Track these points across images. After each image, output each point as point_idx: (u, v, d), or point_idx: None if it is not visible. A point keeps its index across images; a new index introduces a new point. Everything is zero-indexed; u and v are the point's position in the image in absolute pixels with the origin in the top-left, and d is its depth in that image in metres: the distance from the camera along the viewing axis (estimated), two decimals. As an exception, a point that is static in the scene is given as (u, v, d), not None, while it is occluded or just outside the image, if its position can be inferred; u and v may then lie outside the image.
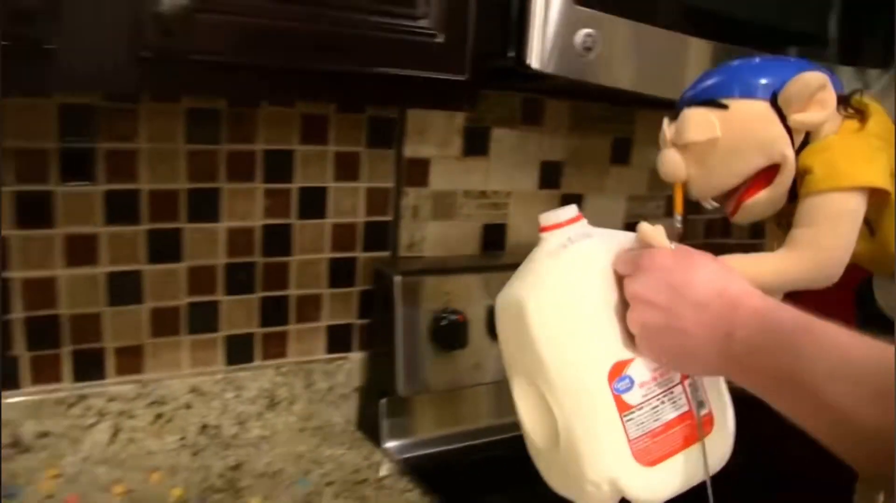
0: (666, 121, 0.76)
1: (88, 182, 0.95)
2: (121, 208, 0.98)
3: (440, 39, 0.79)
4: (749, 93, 0.72)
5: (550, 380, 0.66)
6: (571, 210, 0.71)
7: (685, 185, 0.75)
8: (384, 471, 1.04)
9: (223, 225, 1.05)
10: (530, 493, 0.73)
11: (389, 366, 1.10)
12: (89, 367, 1.01)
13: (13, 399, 0.96)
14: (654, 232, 0.68)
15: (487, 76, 0.84)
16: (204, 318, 1.06)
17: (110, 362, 1.02)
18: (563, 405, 0.66)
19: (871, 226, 0.73)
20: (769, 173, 0.73)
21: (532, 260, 0.71)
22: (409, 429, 1.13)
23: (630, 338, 0.67)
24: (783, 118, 0.71)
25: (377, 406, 1.12)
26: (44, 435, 0.98)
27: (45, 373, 0.99)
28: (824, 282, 0.71)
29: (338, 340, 1.17)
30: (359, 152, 1.12)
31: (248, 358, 1.10)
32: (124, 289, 1.01)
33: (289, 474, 1.02)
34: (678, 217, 0.76)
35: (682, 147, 0.74)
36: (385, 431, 1.12)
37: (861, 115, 0.72)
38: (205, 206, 1.03)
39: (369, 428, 1.14)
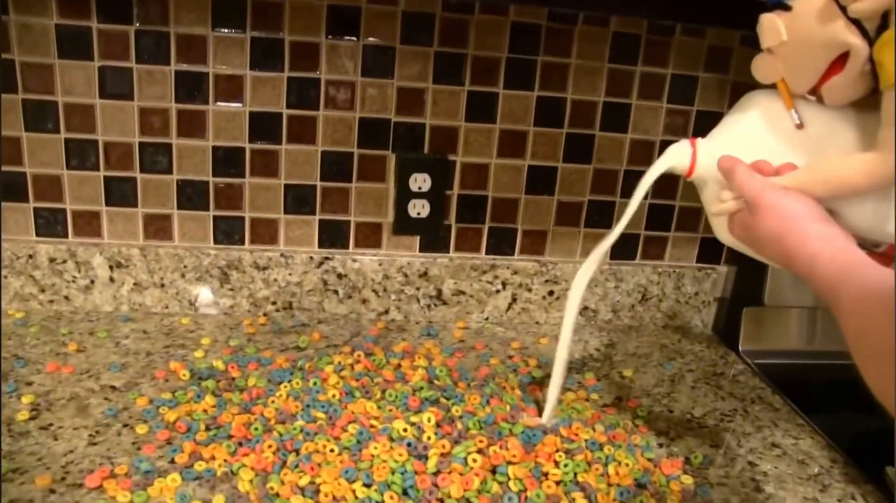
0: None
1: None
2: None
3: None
4: None
5: None
6: None
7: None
8: (737, 369, 1.17)
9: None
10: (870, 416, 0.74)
11: (759, 276, 1.20)
12: (502, 244, 1.22)
13: (441, 260, 1.20)
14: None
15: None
16: (602, 216, 1.23)
17: (518, 242, 1.23)
18: None
19: None
20: (845, 59, 0.72)
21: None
22: (766, 338, 1.23)
23: None
24: (844, 9, 0.70)
25: (739, 313, 1.23)
26: (460, 293, 1.22)
27: (469, 241, 1.21)
28: None
29: (709, 252, 1.28)
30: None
31: (632, 255, 1.25)
32: (544, 182, 1.20)
33: (655, 358, 1.18)
34: (793, 113, 0.78)
35: (768, 50, 0.76)
36: (743, 336, 1.22)
37: None
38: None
39: (727, 334, 1.26)
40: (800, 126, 0.78)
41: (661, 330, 1.28)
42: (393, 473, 0.81)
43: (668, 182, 1.20)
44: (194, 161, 1.11)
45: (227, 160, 1.12)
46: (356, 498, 0.79)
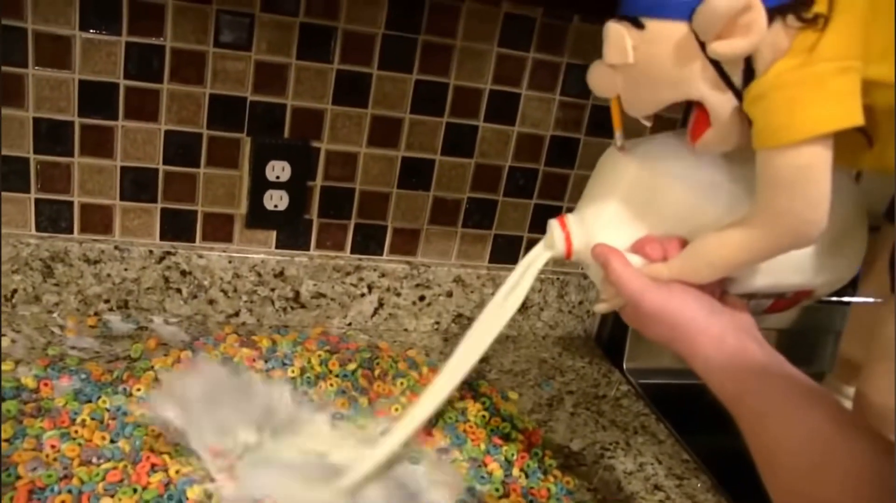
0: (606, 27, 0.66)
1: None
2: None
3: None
4: (664, 11, 0.61)
5: None
6: None
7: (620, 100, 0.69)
8: (621, 390, 1.08)
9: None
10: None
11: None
12: (370, 242, 1.10)
13: (300, 258, 1.07)
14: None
15: None
16: (483, 215, 1.12)
17: (388, 241, 1.11)
18: None
19: (867, 135, 0.60)
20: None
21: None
22: (651, 355, 1.15)
23: None
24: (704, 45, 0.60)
25: (625, 327, 1.14)
26: (320, 295, 1.10)
27: (331, 239, 1.09)
28: (807, 244, 0.63)
29: (596, 258, 1.19)
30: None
31: (512, 258, 1.14)
32: (419, 175, 1.08)
33: (533, 375, 1.08)
34: (617, 134, 0.71)
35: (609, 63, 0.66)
36: (628, 353, 1.14)
37: (816, 22, 0.57)
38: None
39: (611, 348, 1.17)
40: (621, 148, 0.70)
41: (541, 341, 1.19)
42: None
43: (559, 180, 1.12)
44: (11, 135, 0.95)
45: (51, 135, 0.96)
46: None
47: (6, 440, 0.77)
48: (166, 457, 0.78)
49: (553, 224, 0.74)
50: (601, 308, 0.73)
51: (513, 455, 0.88)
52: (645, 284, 0.67)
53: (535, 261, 0.77)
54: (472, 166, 1.09)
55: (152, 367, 0.92)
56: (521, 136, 1.09)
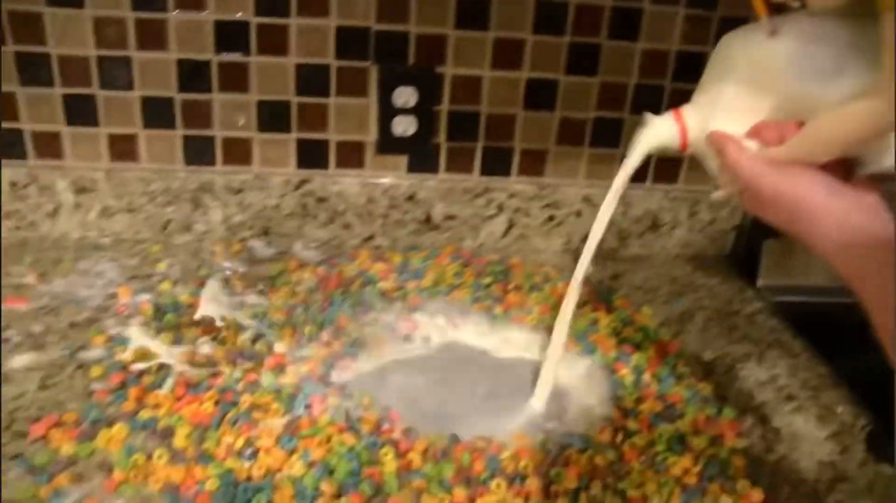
0: None
1: None
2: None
3: None
4: None
5: None
6: None
7: None
8: (754, 307, 1.06)
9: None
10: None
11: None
12: (498, 164, 1.11)
13: (430, 182, 1.10)
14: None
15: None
16: (609, 134, 1.11)
17: (515, 163, 1.12)
18: None
19: None
20: None
21: None
22: (788, 273, 1.12)
23: None
24: None
25: (759, 245, 1.12)
26: (451, 217, 1.13)
27: (460, 163, 1.11)
28: None
29: (729, 175, 1.16)
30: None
31: (641, 177, 1.13)
32: (539, 96, 1.08)
33: (664, 292, 1.08)
34: (765, 19, 0.66)
35: None
36: (763, 270, 1.12)
37: None
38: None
39: (745, 267, 1.15)
40: (773, 33, 0.66)
41: (673, 260, 1.17)
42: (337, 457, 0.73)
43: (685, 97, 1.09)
44: (156, 76, 1.01)
45: (192, 74, 1.01)
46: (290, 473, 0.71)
47: (170, 344, 0.87)
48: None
49: (667, 116, 0.73)
50: (718, 196, 0.72)
51: (644, 362, 0.89)
52: (762, 167, 0.65)
53: (635, 155, 0.77)
54: (597, 85, 1.08)
55: (290, 282, 0.99)
56: (645, 53, 1.07)
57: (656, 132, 0.74)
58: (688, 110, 0.72)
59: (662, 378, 0.88)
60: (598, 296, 1.03)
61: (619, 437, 0.78)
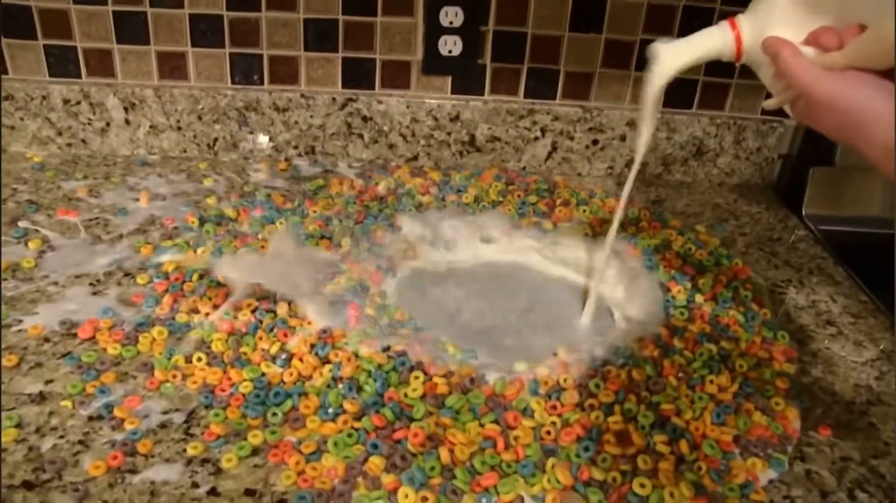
0: None
1: None
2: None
3: None
4: None
5: None
6: None
7: None
8: (797, 235, 1.06)
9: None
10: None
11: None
12: (542, 86, 1.11)
13: (475, 103, 1.10)
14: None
15: None
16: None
17: (560, 85, 1.11)
18: None
19: None
20: None
21: None
22: (834, 202, 1.11)
23: None
24: None
25: (805, 173, 1.11)
26: (495, 139, 1.13)
27: (505, 84, 1.11)
28: None
29: (777, 104, 1.14)
30: None
31: (688, 103, 1.12)
32: (586, 18, 1.07)
33: (706, 218, 1.08)
34: None
35: None
36: (808, 199, 1.11)
37: None
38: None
39: (790, 195, 1.14)
40: None
41: (717, 188, 1.17)
42: (366, 376, 0.74)
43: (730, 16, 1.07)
44: (207, -4, 1.03)
45: (240, -8, 1.03)
46: (321, 375, 0.73)
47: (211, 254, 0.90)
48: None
49: (723, 24, 0.72)
50: (771, 104, 0.71)
51: (707, 284, 0.90)
52: (817, 72, 0.63)
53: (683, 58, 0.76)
54: (645, 6, 1.06)
55: (331, 196, 1.01)
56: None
57: (710, 39, 0.73)
58: (743, 18, 0.71)
59: (721, 300, 0.88)
60: (652, 215, 1.04)
61: (659, 354, 0.79)
